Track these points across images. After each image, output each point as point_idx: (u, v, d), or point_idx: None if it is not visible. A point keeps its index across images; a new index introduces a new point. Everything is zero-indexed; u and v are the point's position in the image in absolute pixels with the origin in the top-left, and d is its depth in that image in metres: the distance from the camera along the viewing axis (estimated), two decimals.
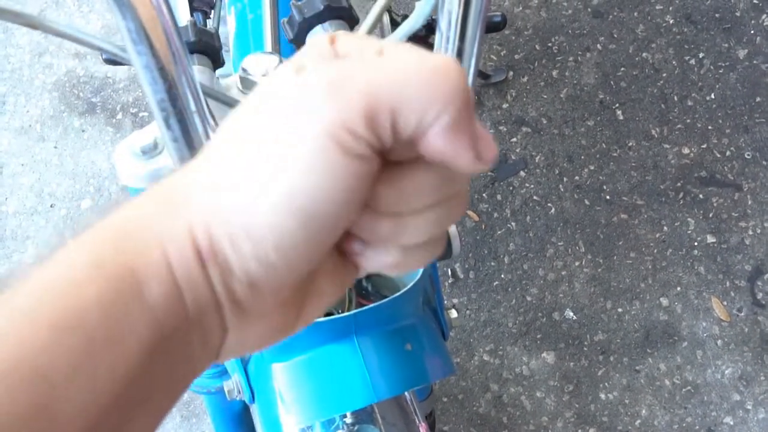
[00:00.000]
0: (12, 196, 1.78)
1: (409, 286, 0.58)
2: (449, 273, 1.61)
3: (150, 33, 0.36)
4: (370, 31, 0.54)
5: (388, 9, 1.39)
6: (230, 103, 0.52)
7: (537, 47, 1.81)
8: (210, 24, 1.16)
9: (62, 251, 0.28)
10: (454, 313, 0.70)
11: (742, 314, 1.54)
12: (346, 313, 0.57)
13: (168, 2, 0.37)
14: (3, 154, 1.82)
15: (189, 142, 0.41)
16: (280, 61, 0.64)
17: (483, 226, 1.65)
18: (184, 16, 1.13)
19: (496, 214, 1.66)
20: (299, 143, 0.27)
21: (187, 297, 0.29)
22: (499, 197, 1.67)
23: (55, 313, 0.26)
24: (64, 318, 0.26)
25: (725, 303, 1.55)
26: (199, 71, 0.59)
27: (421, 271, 0.59)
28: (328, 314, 0.68)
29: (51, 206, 1.76)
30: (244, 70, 0.63)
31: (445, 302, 1.57)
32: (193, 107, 0.40)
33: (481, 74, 1.75)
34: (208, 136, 0.42)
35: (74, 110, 1.86)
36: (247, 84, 0.63)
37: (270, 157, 0.28)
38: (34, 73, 1.92)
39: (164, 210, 0.29)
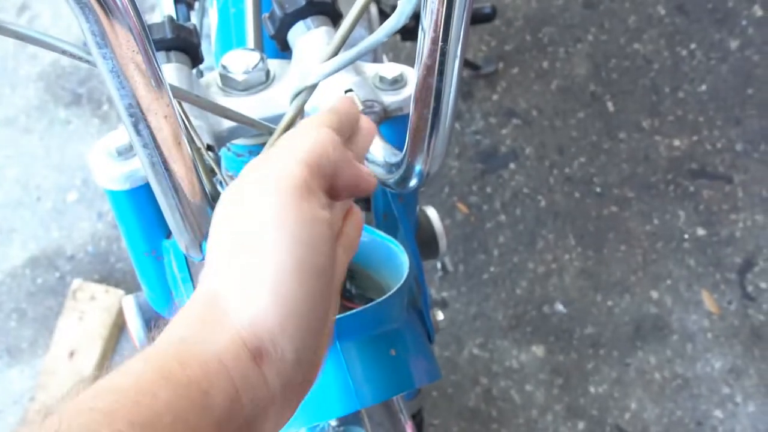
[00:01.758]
0: None
1: (393, 290, 0.57)
2: (438, 266, 1.59)
3: (115, 36, 0.34)
4: (354, 25, 0.52)
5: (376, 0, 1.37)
6: (203, 105, 0.50)
7: (527, 38, 1.79)
8: (194, 16, 1.14)
9: (127, 364, 0.34)
10: (440, 315, 0.69)
11: (732, 307, 1.53)
12: None
13: (134, 2, 0.35)
14: None
15: (159, 148, 0.40)
16: (262, 58, 0.62)
17: (472, 219, 1.63)
18: (168, 8, 1.11)
19: (485, 207, 1.64)
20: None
21: (244, 399, 0.35)
22: (488, 189, 1.66)
23: (131, 415, 0.31)
24: (139, 418, 0.31)
25: (715, 296, 1.54)
26: (176, 69, 0.58)
27: (406, 273, 0.58)
28: None
29: (37, 199, 1.74)
30: (224, 67, 0.61)
31: (435, 296, 1.56)
32: (163, 112, 0.38)
33: (471, 65, 1.73)
34: (179, 142, 0.40)
35: (60, 101, 1.84)
36: (226, 81, 0.62)
37: (254, 246, 0.37)
38: (19, 64, 1.90)
39: (212, 328, 0.36)
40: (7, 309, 1.63)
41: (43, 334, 1.59)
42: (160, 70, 0.37)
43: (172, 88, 0.42)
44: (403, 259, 0.58)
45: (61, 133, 1.80)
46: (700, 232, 1.60)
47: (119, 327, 1.58)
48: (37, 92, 1.85)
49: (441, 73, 0.43)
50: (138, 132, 0.39)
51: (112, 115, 1.81)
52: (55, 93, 1.85)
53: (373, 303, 0.55)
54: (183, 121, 0.42)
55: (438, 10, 0.41)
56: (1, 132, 1.81)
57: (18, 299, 1.64)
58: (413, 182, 0.52)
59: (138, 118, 0.38)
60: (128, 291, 1.59)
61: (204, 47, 0.71)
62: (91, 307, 1.56)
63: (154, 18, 1.87)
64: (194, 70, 0.63)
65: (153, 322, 0.69)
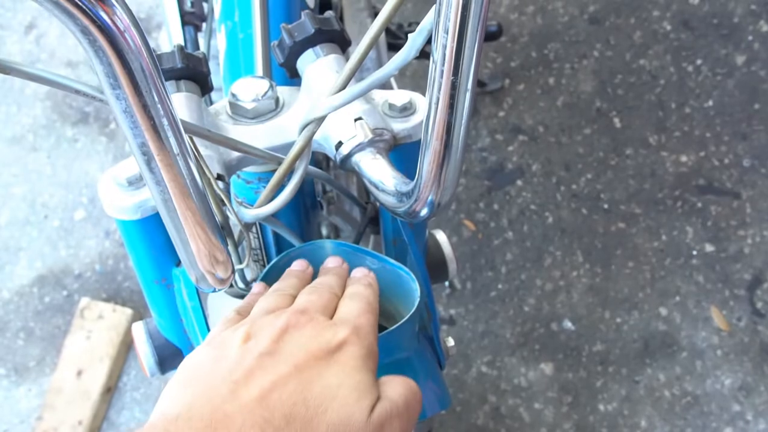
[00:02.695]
0: (4, 207, 1.76)
1: (405, 319, 0.56)
2: (446, 284, 1.59)
3: (128, 77, 0.34)
4: (363, 59, 0.52)
5: None
6: (214, 139, 0.50)
7: (533, 54, 1.79)
8: (201, 38, 1.14)
9: None
10: (450, 341, 0.69)
11: (742, 324, 1.52)
12: None
13: (147, 42, 0.35)
14: None
15: (172, 184, 0.40)
16: (271, 86, 0.62)
17: (480, 236, 1.63)
18: (175, 29, 1.12)
19: (492, 224, 1.64)
20: None
21: None
22: (495, 206, 1.66)
23: None
24: None
25: (724, 312, 1.54)
26: (185, 98, 0.58)
27: (417, 300, 0.58)
28: None
29: (44, 217, 1.74)
30: (233, 95, 0.62)
31: (442, 313, 1.56)
32: (176, 150, 0.38)
33: (477, 82, 1.73)
34: (191, 177, 0.40)
35: (67, 120, 1.85)
36: (236, 109, 0.62)
37: None
38: (26, 82, 1.90)
39: None
40: (14, 327, 1.63)
41: (51, 353, 1.60)
42: (172, 108, 0.37)
43: (184, 123, 0.42)
44: (414, 287, 0.58)
45: (68, 151, 1.81)
46: (709, 248, 1.59)
47: (127, 346, 1.58)
48: (44, 111, 1.86)
49: (451, 106, 0.43)
50: (151, 170, 0.39)
51: (119, 134, 1.82)
52: (63, 111, 1.85)
53: (385, 332, 0.55)
54: (195, 155, 0.42)
55: (449, 43, 0.41)
56: (9, 150, 1.82)
57: (26, 318, 1.64)
58: (424, 212, 0.51)
59: (150, 156, 0.38)
60: (136, 310, 1.59)
61: (212, 68, 0.71)
62: (99, 326, 1.56)
63: (161, 37, 1.88)
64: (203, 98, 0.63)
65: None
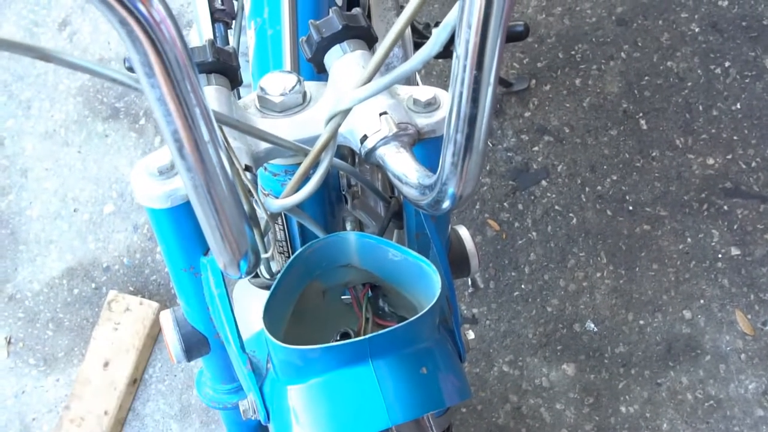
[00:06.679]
0: (36, 200, 1.79)
1: (426, 309, 0.57)
2: (469, 283, 1.60)
3: (163, 66, 0.35)
4: (389, 52, 0.54)
5: None
6: (243, 129, 0.51)
7: (560, 55, 1.80)
8: (231, 35, 1.16)
9: None
10: (471, 334, 0.70)
11: (767, 328, 1.51)
12: (361, 337, 0.56)
13: (181, 33, 0.37)
14: (28, 159, 1.83)
15: (202, 171, 0.41)
16: (299, 81, 0.64)
17: (504, 236, 1.64)
18: (205, 27, 1.14)
19: (517, 224, 1.64)
20: None
21: None
22: (520, 207, 1.66)
23: None
24: None
25: (749, 316, 1.53)
26: (215, 91, 0.59)
27: (438, 292, 0.59)
28: (344, 336, 0.68)
29: (74, 211, 1.77)
30: (262, 89, 0.63)
31: (465, 312, 1.56)
32: (207, 137, 0.40)
33: (503, 82, 1.74)
34: (221, 166, 0.42)
35: (98, 115, 1.88)
36: (264, 102, 0.63)
37: None
38: (59, 78, 1.94)
39: None
40: (44, 318, 1.67)
41: (79, 344, 1.63)
42: (204, 98, 0.39)
43: (215, 113, 0.43)
44: (435, 279, 0.59)
45: (99, 146, 1.84)
46: (734, 251, 1.58)
47: (153, 338, 1.60)
48: (76, 106, 1.89)
49: (474, 100, 0.44)
50: (182, 156, 0.40)
51: (148, 129, 1.85)
52: (94, 107, 1.89)
53: (406, 322, 0.56)
54: (224, 145, 0.43)
55: (472, 38, 0.42)
56: (41, 145, 1.85)
57: (55, 309, 1.67)
58: (446, 204, 0.52)
59: (182, 144, 0.39)
60: (162, 303, 1.62)
61: (241, 65, 0.72)
62: (126, 318, 1.59)
63: (191, 34, 1.90)
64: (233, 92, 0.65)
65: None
